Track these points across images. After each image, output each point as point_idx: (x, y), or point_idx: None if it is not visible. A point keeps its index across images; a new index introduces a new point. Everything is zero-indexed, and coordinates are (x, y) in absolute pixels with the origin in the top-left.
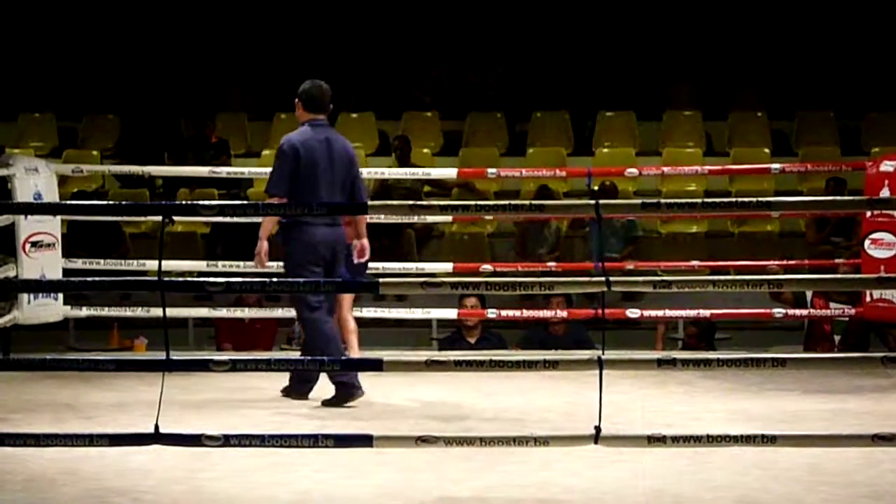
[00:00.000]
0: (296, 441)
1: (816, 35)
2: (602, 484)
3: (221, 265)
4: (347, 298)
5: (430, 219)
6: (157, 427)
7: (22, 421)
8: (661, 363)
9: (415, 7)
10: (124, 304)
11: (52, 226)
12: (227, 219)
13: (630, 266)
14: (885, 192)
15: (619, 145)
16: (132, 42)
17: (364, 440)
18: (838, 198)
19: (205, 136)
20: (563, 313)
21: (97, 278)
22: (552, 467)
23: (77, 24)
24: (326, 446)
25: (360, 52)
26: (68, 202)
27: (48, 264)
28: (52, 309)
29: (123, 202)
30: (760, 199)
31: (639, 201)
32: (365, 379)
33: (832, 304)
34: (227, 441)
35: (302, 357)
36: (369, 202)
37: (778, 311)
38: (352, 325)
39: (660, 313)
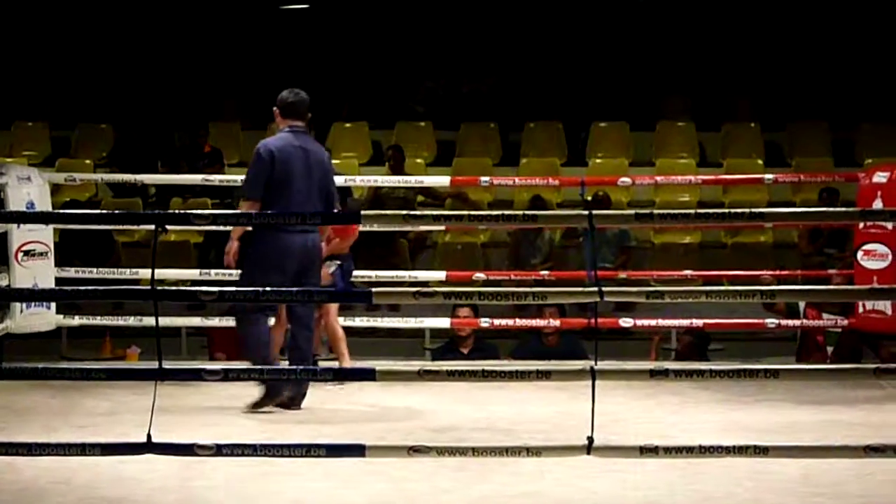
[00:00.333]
0: (288, 450)
1: (810, 46)
2: (594, 495)
3: (214, 273)
4: (333, 306)
5: (424, 228)
6: (149, 436)
7: (14, 430)
8: (653, 374)
9: (408, 17)
10: (117, 313)
11: (44, 234)
12: (221, 227)
13: (623, 276)
14: (878, 204)
15: (612, 156)
16: (126, 51)
17: (356, 450)
18: (831, 209)
19: (198, 145)
20: (556, 322)
21: (90, 287)
22: (544, 478)
23: (71, 33)
24: (318, 456)
25: (354, 63)
26: (61, 211)
27: (40, 273)
28: (44, 318)
29: (116, 211)
30: (753, 209)
31: (632, 212)
32: (357, 388)
33: (825, 315)
34: (219, 450)
35: (292, 367)
36: (363, 212)
37: (771, 322)
38: (340, 332)
39: (653, 323)
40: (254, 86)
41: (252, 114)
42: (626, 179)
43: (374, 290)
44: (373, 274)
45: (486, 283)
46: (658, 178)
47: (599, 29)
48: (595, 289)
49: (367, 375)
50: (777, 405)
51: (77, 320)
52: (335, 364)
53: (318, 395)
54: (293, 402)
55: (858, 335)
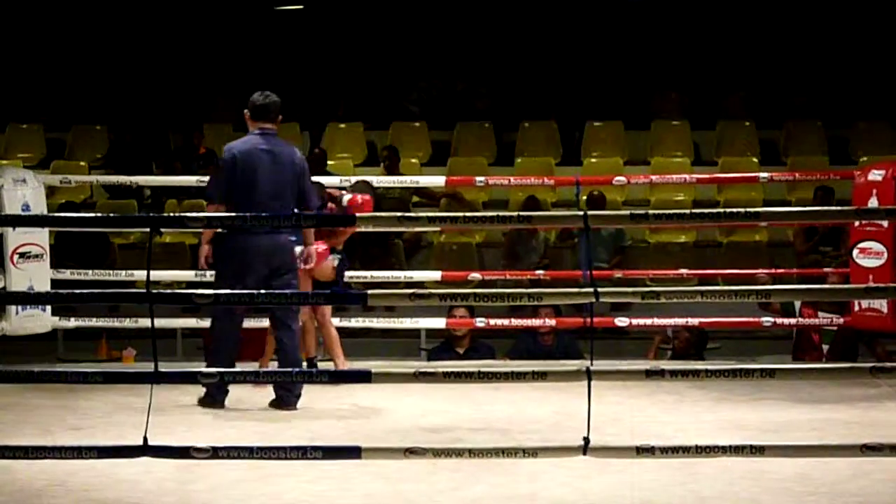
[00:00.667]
0: (284, 453)
1: (804, 44)
2: (591, 495)
3: (210, 275)
4: (327, 307)
5: (418, 228)
6: (145, 439)
7: (10, 432)
8: (649, 374)
9: (402, 18)
10: (113, 315)
11: (40, 237)
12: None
13: (618, 275)
14: (873, 202)
15: (607, 155)
16: (120, 53)
17: (352, 452)
18: (827, 207)
19: (193, 146)
20: (551, 322)
21: (86, 290)
22: (541, 478)
23: (65, 35)
24: (315, 458)
25: (348, 63)
26: (56, 214)
27: (36, 275)
28: (40, 320)
29: (111, 214)
30: (749, 208)
31: (627, 212)
32: (354, 390)
33: (821, 314)
34: (215, 453)
35: (286, 368)
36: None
37: (767, 321)
38: (333, 333)
39: (649, 322)
40: (248, 87)
41: None
42: (621, 178)
43: (369, 292)
44: (368, 274)
45: (482, 283)
46: (653, 177)
47: (593, 28)
48: (590, 289)
49: (364, 377)
50: (773, 404)
51: (73, 322)
52: (331, 365)
53: (312, 396)
54: (283, 402)
55: (854, 333)
